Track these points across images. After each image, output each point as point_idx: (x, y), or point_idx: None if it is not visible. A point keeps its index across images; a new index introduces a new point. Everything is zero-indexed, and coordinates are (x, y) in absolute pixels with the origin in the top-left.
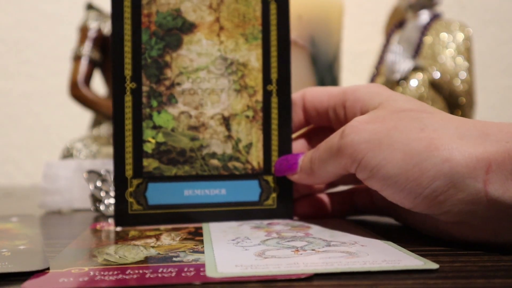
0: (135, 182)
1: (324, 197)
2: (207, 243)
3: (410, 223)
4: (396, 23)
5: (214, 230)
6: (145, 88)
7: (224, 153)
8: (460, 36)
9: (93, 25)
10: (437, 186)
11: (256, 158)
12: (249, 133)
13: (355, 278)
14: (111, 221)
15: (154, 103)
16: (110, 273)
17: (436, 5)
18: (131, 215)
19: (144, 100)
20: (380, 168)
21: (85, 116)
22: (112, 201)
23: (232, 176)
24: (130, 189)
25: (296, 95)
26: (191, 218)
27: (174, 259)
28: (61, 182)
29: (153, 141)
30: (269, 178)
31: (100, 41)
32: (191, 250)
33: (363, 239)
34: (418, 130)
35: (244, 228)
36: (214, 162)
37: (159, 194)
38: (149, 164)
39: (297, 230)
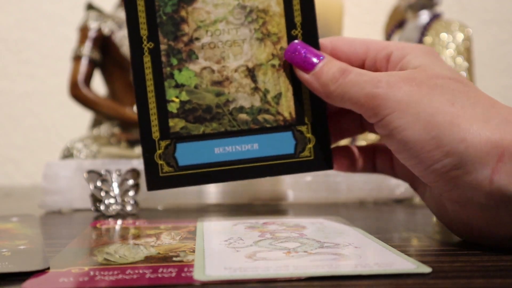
0: (163, 143)
1: (350, 149)
2: (199, 244)
3: (421, 197)
4: (396, 23)
5: (207, 230)
6: (163, 47)
7: (252, 106)
8: (460, 36)
9: (93, 25)
10: (447, 163)
11: (287, 108)
12: (277, 83)
13: (356, 278)
14: (111, 220)
15: (174, 61)
16: (110, 273)
17: (436, 5)
18: (163, 178)
19: (163, 59)
20: (401, 131)
21: (85, 116)
22: (112, 201)
23: (263, 129)
24: (159, 151)
25: (323, 42)
26: (224, 177)
27: (174, 259)
28: (61, 182)
29: (177, 100)
30: (303, 128)
31: (100, 41)
32: (191, 250)
33: (358, 240)
34: (448, 103)
35: (239, 228)
36: (243, 116)
37: (189, 154)
38: (175, 124)
39: (292, 231)
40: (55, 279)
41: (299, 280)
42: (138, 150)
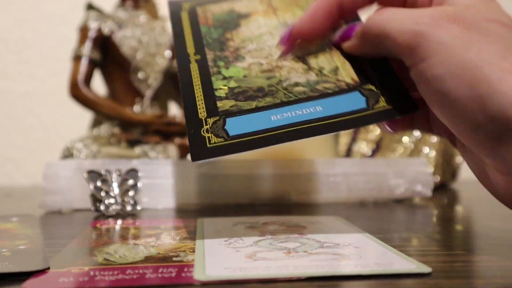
0: (211, 120)
1: None
2: (199, 244)
3: (462, 155)
4: None
5: (207, 230)
6: (209, 57)
7: (307, 80)
8: None
9: (93, 25)
10: (490, 129)
11: (347, 75)
12: (331, 61)
13: (356, 278)
14: (111, 220)
15: (221, 63)
16: (110, 273)
17: None
18: (211, 148)
19: (210, 63)
20: (443, 81)
21: (85, 116)
22: (112, 201)
23: (325, 95)
24: (206, 127)
25: None
26: (285, 137)
27: (174, 259)
28: (61, 182)
29: (225, 87)
30: (371, 86)
31: (100, 41)
32: (191, 250)
33: (358, 240)
34: (500, 56)
35: (239, 228)
36: (299, 89)
37: (241, 125)
38: (224, 104)
39: (292, 231)
40: (55, 279)
41: (299, 280)
42: (138, 150)
